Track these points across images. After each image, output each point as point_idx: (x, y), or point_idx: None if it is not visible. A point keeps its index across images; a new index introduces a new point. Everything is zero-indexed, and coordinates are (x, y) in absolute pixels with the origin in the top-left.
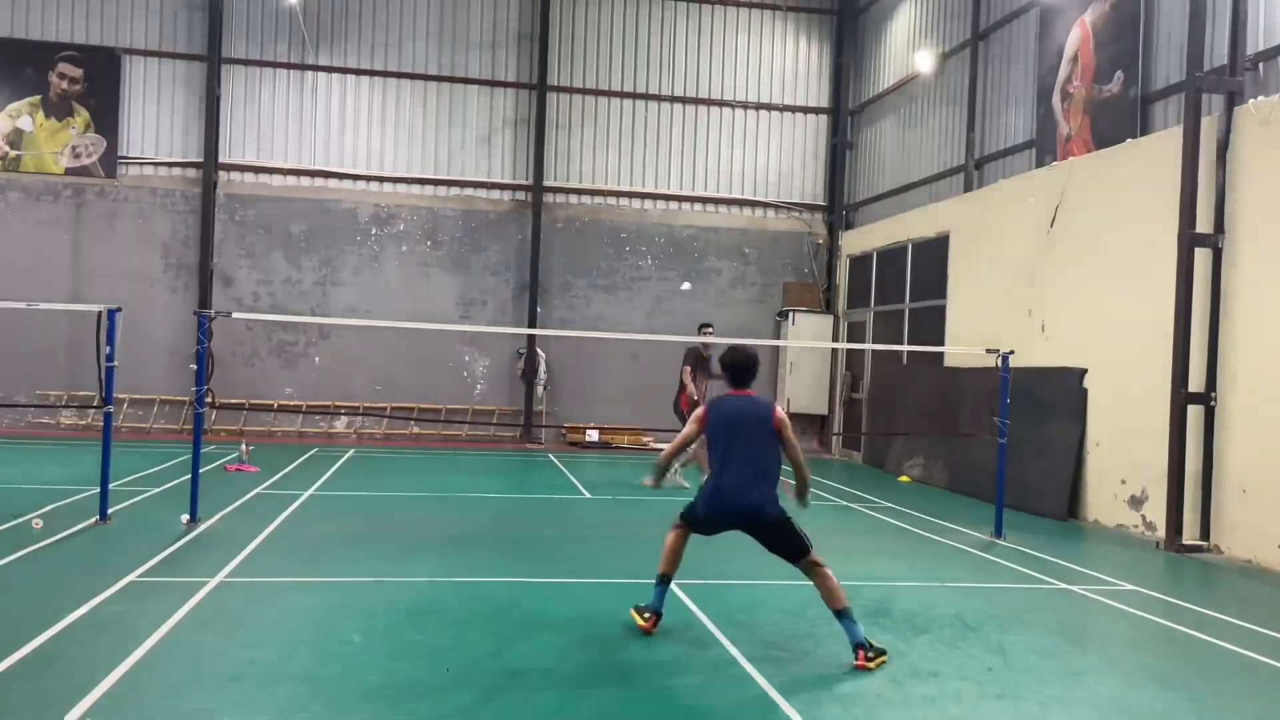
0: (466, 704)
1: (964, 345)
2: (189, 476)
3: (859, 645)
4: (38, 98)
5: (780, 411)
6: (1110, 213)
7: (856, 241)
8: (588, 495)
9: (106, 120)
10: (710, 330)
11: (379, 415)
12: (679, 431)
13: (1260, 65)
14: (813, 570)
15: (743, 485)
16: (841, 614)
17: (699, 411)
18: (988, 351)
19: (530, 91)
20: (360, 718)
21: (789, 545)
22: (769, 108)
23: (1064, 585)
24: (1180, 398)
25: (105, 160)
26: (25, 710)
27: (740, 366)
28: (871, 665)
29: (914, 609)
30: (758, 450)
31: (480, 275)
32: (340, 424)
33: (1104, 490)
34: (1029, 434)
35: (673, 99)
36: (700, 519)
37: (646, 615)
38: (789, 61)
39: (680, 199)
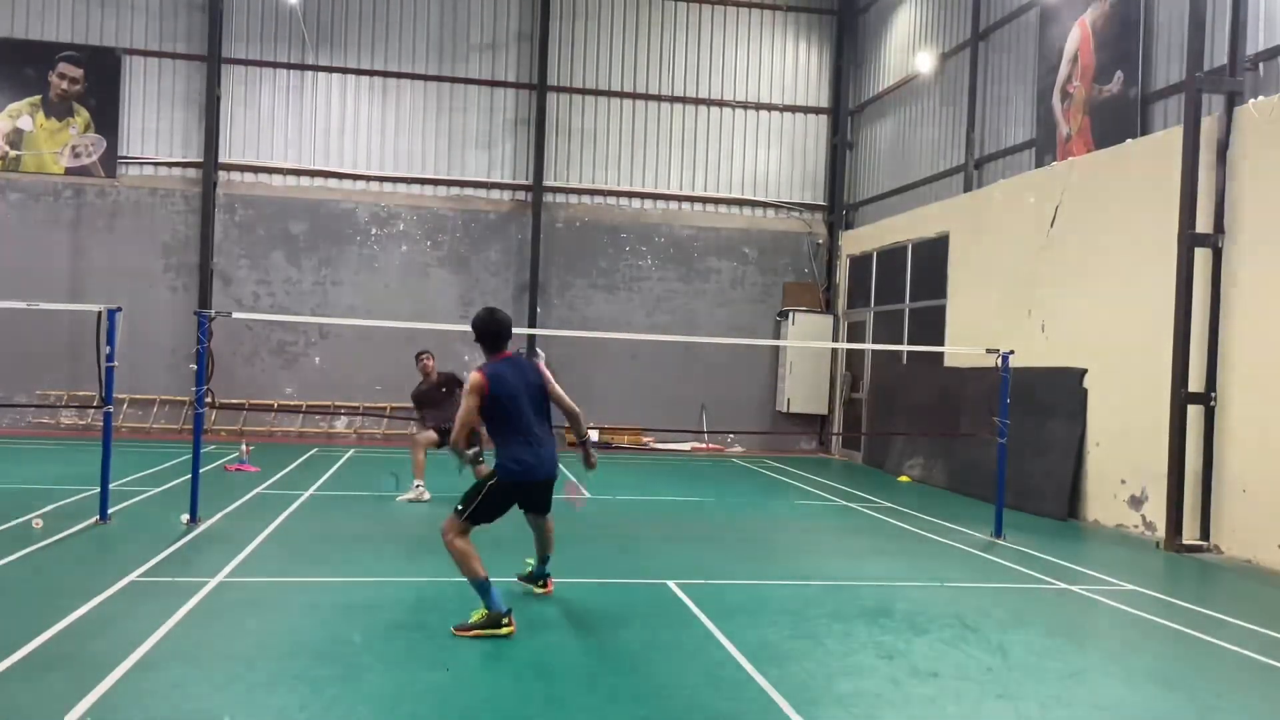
0: (467, 704)
1: (964, 345)
2: (189, 476)
3: (544, 576)
4: (38, 98)
5: (541, 364)
6: (1110, 212)
7: (856, 241)
8: (587, 495)
9: (106, 120)
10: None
11: (379, 415)
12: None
13: (1260, 65)
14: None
15: (546, 451)
16: (544, 559)
17: (476, 380)
18: (988, 351)
19: (530, 91)
20: (360, 718)
21: (548, 502)
22: (769, 108)
23: (1064, 585)
24: (1180, 398)
25: (105, 160)
26: (25, 710)
27: (499, 330)
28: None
29: (914, 609)
30: (541, 413)
31: (480, 275)
32: (340, 424)
33: (1104, 490)
34: (1029, 434)
35: (673, 99)
36: (498, 502)
37: (505, 622)
38: (789, 61)
39: (680, 199)
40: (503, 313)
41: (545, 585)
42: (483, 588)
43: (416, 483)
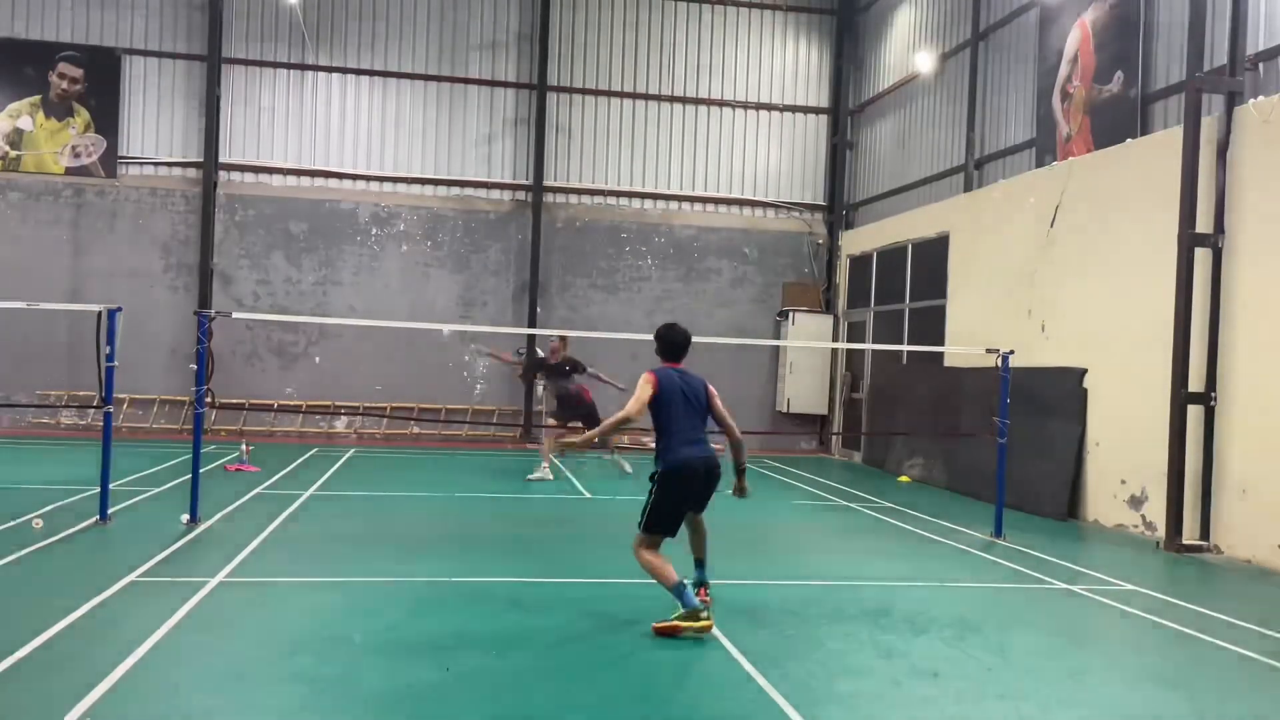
0: (467, 704)
1: (964, 345)
2: (189, 476)
3: (702, 583)
4: (38, 98)
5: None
6: (1110, 213)
7: (856, 241)
8: (588, 495)
9: (106, 120)
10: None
11: (379, 415)
12: None
13: (1260, 65)
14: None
15: (703, 448)
16: (701, 563)
17: (647, 377)
18: (988, 351)
19: (530, 91)
20: (360, 718)
21: (706, 497)
22: (769, 108)
23: (1064, 585)
24: (1180, 398)
25: (105, 160)
26: (25, 710)
27: (676, 341)
28: (709, 600)
29: (914, 609)
30: (699, 420)
31: (480, 275)
32: (340, 424)
33: (1104, 490)
34: (1029, 434)
35: (673, 99)
36: (665, 500)
37: (704, 615)
38: (789, 61)
39: (680, 199)
40: (682, 328)
41: (699, 592)
42: (677, 590)
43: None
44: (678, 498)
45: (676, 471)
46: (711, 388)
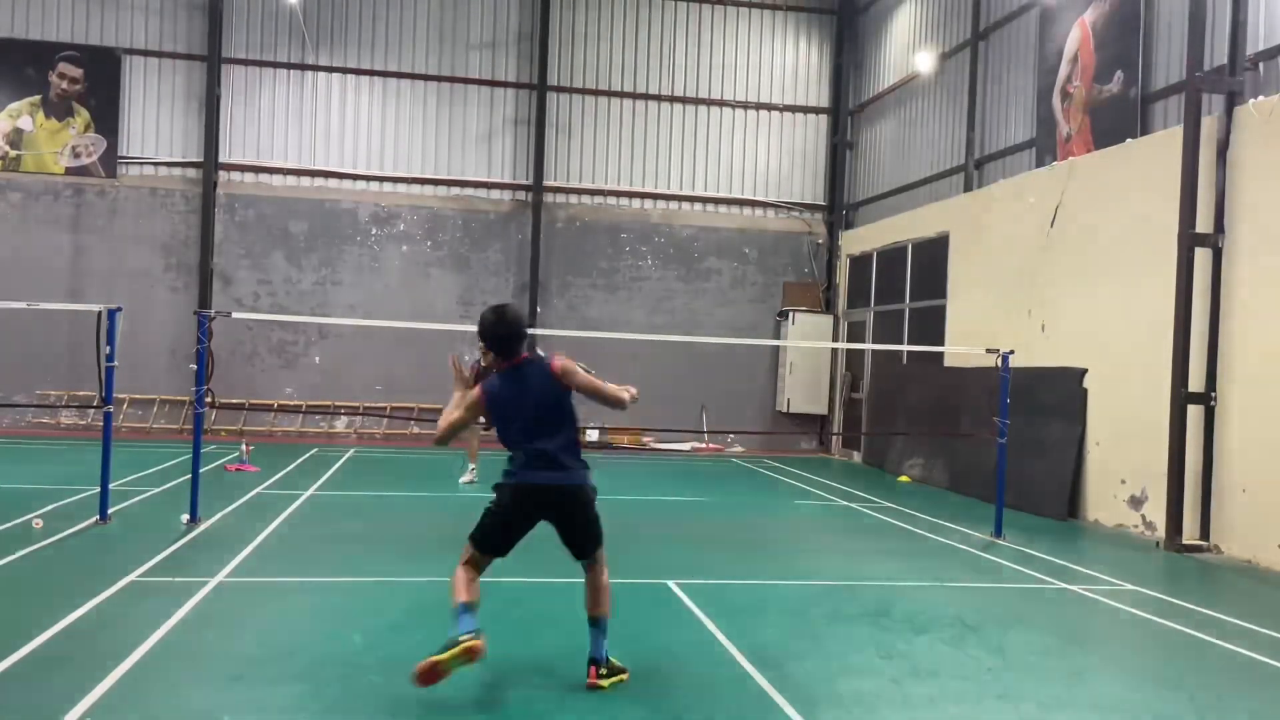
0: (467, 704)
1: (964, 345)
2: (189, 476)
3: (595, 661)
4: (38, 98)
5: (558, 363)
6: (1110, 213)
7: (856, 241)
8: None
9: (106, 120)
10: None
11: (379, 415)
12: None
13: (1260, 65)
14: (594, 567)
15: (548, 463)
16: (597, 621)
17: (474, 396)
18: (988, 351)
19: (530, 91)
20: (360, 718)
21: (591, 533)
22: (769, 108)
23: (1064, 585)
24: (1180, 398)
25: (105, 160)
26: (25, 710)
27: (507, 334)
28: (604, 684)
29: (914, 609)
30: (551, 426)
31: (480, 275)
32: (340, 424)
33: (1104, 490)
34: (1029, 434)
35: (673, 99)
36: (494, 516)
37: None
38: (789, 61)
39: (680, 199)
40: (513, 311)
41: (593, 672)
42: (455, 613)
43: (471, 465)
44: (507, 518)
45: (509, 489)
46: (562, 364)
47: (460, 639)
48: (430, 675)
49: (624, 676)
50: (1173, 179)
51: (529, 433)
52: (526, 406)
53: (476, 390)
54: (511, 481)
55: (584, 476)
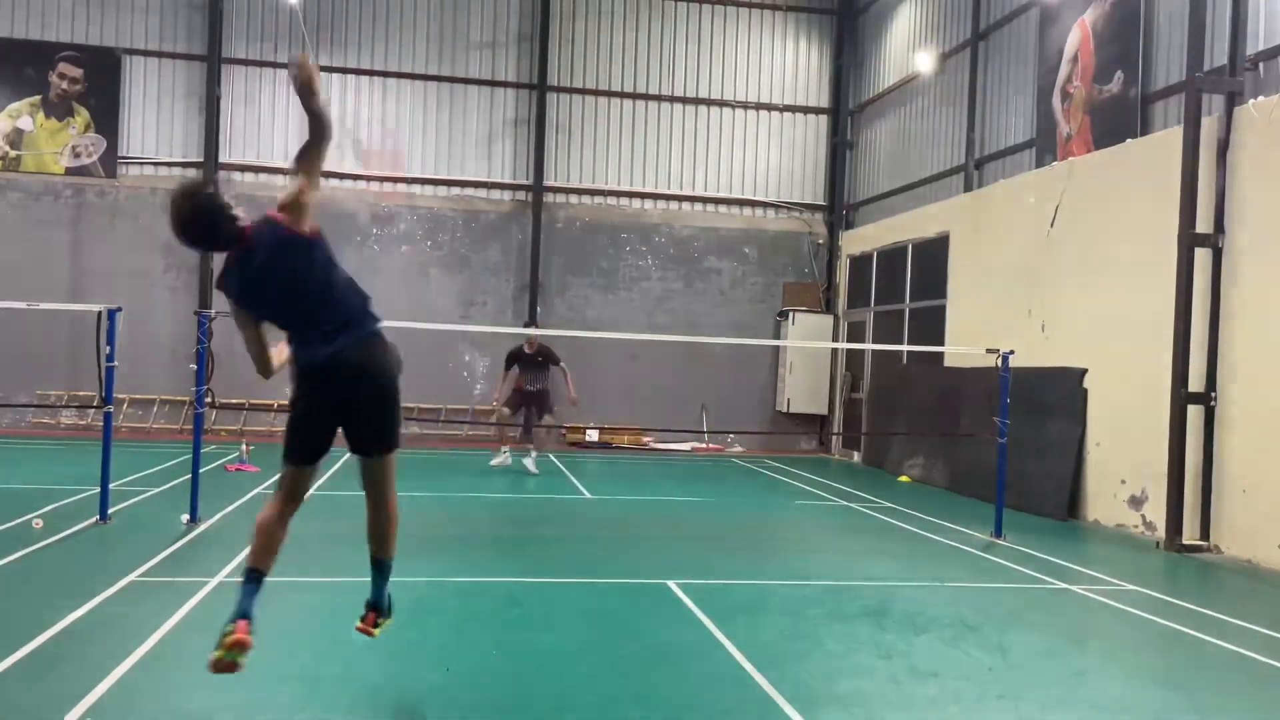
0: (467, 704)
1: (964, 345)
2: (189, 476)
3: (376, 606)
4: (38, 98)
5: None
6: (1110, 212)
7: (856, 241)
8: (588, 495)
9: (106, 120)
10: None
11: None
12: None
13: (1260, 65)
14: (382, 477)
15: (323, 335)
16: (381, 563)
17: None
18: (988, 351)
19: (530, 91)
20: (361, 718)
21: (390, 427)
22: (769, 108)
23: (1064, 585)
24: (1180, 397)
25: (105, 160)
26: (25, 710)
27: (195, 224)
28: (376, 632)
29: (914, 609)
30: (322, 298)
31: (480, 275)
32: None
33: (1104, 490)
34: (1029, 434)
35: (673, 99)
36: (295, 416)
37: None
38: (789, 61)
39: (680, 199)
40: (192, 196)
41: (367, 618)
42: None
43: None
44: (307, 413)
45: (301, 377)
46: (294, 195)
47: (226, 631)
48: (219, 669)
49: (389, 622)
50: (1173, 179)
51: (300, 314)
52: (278, 285)
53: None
54: (299, 365)
55: (372, 326)
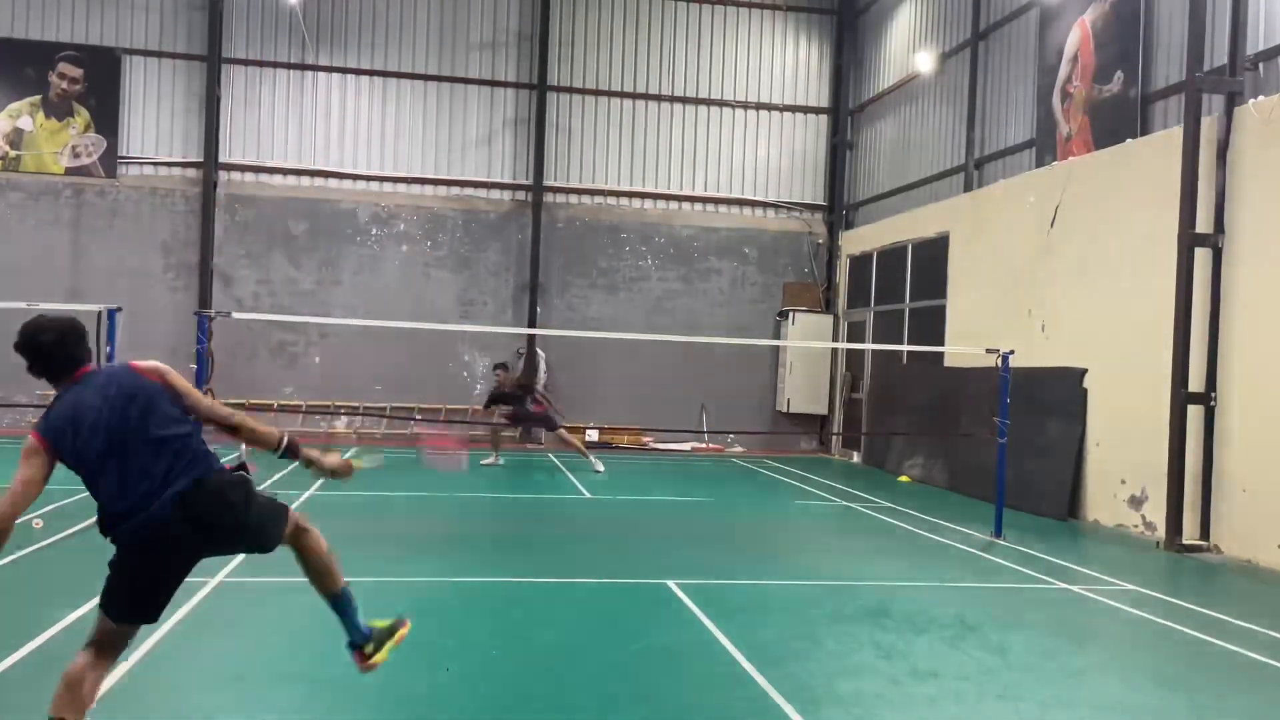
0: (467, 705)
1: (964, 345)
2: None
3: (357, 645)
4: (38, 98)
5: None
6: (1110, 213)
7: (856, 241)
8: (588, 495)
9: (106, 120)
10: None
11: (379, 415)
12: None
13: (1260, 65)
14: (302, 539)
15: (153, 491)
16: (337, 596)
17: (30, 444)
18: (988, 351)
19: (530, 91)
20: (360, 718)
21: (269, 527)
22: (769, 108)
23: (1064, 585)
24: (1180, 398)
25: (105, 160)
26: (25, 710)
27: (45, 350)
28: (380, 658)
29: (914, 609)
30: (154, 449)
31: (480, 275)
32: (340, 424)
33: (1104, 490)
34: (1029, 434)
35: (673, 99)
36: (117, 576)
37: None
38: (789, 61)
39: (680, 199)
40: (46, 327)
41: (357, 657)
42: None
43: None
44: (137, 574)
45: (127, 549)
46: (164, 376)
47: None
48: None
49: (403, 632)
50: (1172, 179)
51: (130, 465)
52: (112, 428)
53: (31, 436)
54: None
55: (206, 468)
